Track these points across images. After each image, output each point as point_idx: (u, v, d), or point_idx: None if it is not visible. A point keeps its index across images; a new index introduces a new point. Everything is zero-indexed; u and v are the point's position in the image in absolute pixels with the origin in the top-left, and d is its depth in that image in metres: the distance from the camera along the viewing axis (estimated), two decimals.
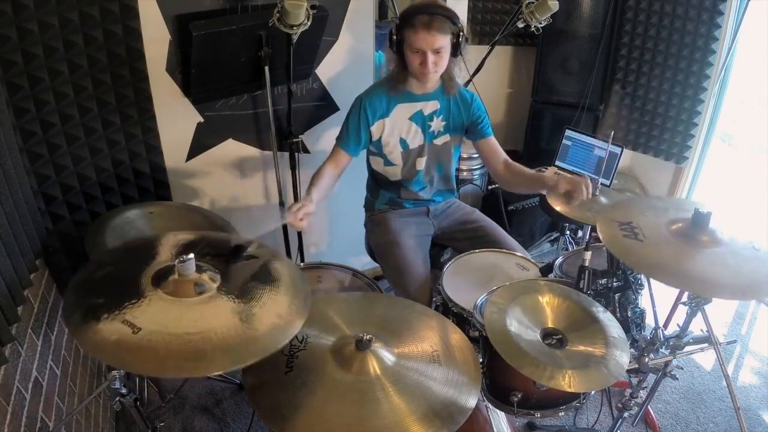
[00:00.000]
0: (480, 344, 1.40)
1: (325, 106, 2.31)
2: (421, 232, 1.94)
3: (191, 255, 1.07)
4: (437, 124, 1.82)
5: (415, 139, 1.83)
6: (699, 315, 1.54)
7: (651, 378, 1.72)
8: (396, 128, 1.80)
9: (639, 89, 2.87)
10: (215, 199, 2.25)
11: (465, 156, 2.77)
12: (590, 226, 2.12)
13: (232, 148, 2.18)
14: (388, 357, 1.13)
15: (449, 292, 1.60)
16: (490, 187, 2.91)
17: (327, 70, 2.23)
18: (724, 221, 1.38)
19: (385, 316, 1.30)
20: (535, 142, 3.10)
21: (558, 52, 2.85)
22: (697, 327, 1.58)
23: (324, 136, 2.36)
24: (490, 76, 2.94)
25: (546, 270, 1.70)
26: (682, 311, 1.63)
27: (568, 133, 2.64)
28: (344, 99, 2.31)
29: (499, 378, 1.34)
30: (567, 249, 2.76)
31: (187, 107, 1.99)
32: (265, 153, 2.26)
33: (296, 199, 2.20)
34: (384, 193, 1.96)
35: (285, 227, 2.22)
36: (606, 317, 1.30)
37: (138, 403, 1.28)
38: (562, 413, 1.37)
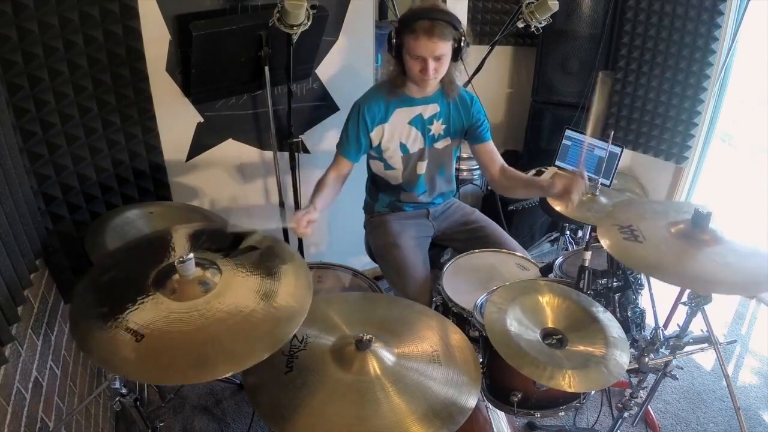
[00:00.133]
0: (480, 344, 1.40)
1: (325, 106, 2.31)
2: (420, 234, 1.94)
3: (191, 255, 1.07)
4: (437, 127, 1.80)
5: (416, 143, 1.81)
6: (699, 315, 1.54)
7: (651, 378, 1.72)
8: (396, 133, 1.78)
9: (639, 89, 2.87)
10: (215, 199, 2.25)
11: (465, 156, 2.77)
12: (590, 226, 2.13)
13: (232, 148, 2.18)
14: (388, 357, 1.13)
15: (449, 292, 1.60)
16: (490, 187, 2.91)
17: (327, 70, 2.23)
18: (724, 221, 1.38)
19: (385, 316, 1.30)
20: (535, 142, 3.10)
21: (558, 52, 2.85)
22: (697, 327, 1.59)
23: (324, 136, 2.36)
24: (490, 76, 2.94)
25: (546, 270, 1.70)
26: (682, 311, 1.63)
27: (568, 133, 2.64)
28: (344, 99, 2.31)
29: (499, 378, 1.34)
30: (567, 249, 2.76)
31: (187, 107, 1.99)
32: (265, 153, 2.26)
33: (296, 199, 2.20)
34: (383, 197, 1.95)
35: (285, 227, 2.21)
36: (606, 317, 1.30)
37: (138, 403, 1.28)
38: (562, 413, 1.37)
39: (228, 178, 2.24)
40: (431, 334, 1.24)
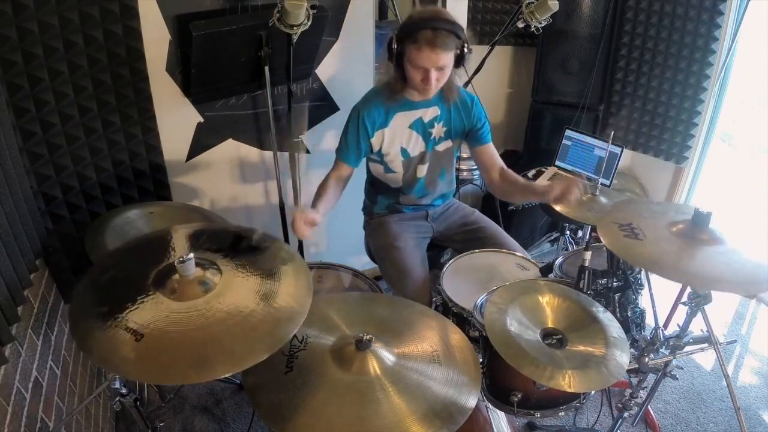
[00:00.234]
0: (480, 344, 1.40)
1: (325, 106, 2.31)
2: (419, 235, 1.94)
3: (191, 255, 1.07)
4: (438, 130, 1.79)
5: (416, 147, 1.80)
6: (699, 315, 1.54)
7: (651, 378, 1.72)
8: (396, 138, 1.77)
9: (639, 89, 2.87)
10: (215, 199, 2.25)
11: (465, 156, 2.77)
12: (590, 226, 2.12)
13: (232, 148, 2.18)
14: (388, 357, 1.13)
15: (449, 292, 1.60)
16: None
17: (327, 70, 2.23)
18: (724, 221, 1.39)
19: (385, 316, 1.30)
20: (535, 142, 3.10)
21: (558, 52, 2.85)
22: (697, 327, 1.59)
23: (324, 136, 2.36)
24: (490, 76, 2.93)
25: (546, 270, 1.70)
26: (682, 311, 1.63)
27: (568, 133, 2.64)
28: (344, 99, 2.31)
29: (499, 378, 1.34)
30: (567, 249, 2.76)
31: (187, 107, 1.99)
32: (265, 153, 2.26)
33: (296, 199, 2.21)
34: (382, 199, 1.95)
35: (285, 227, 2.22)
36: (606, 317, 1.30)
37: (138, 403, 1.28)
38: (562, 413, 1.37)
39: (228, 178, 2.24)
40: (431, 334, 1.24)
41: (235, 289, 1.09)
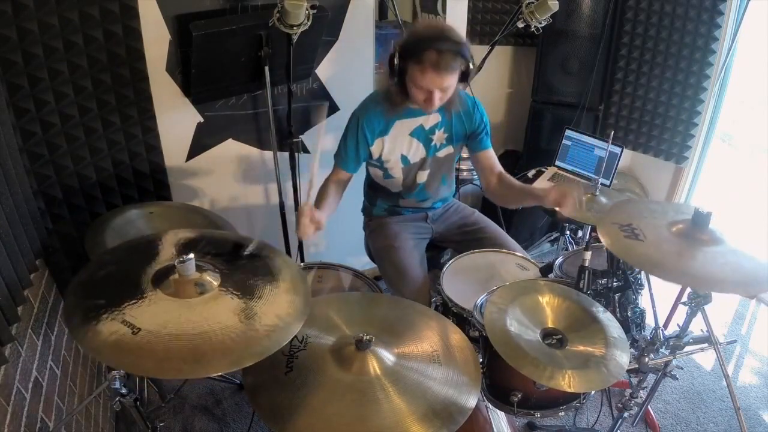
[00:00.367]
0: (480, 344, 1.40)
1: (325, 106, 2.30)
2: (418, 235, 1.94)
3: (191, 255, 1.07)
4: (439, 136, 1.77)
5: (417, 154, 1.78)
6: (699, 315, 1.54)
7: (651, 378, 1.72)
8: (396, 145, 1.75)
9: (639, 89, 2.87)
10: (215, 199, 2.25)
11: (465, 156, 2.77)
12: (590, 226, 2.12)
13: (232, 148, 2.18)
14: (388, 357, 1.13)
15: (449, 292, 1.60)
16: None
17: (327, 70, 2.23)
18: (724, 221, 1.39)
19: (386, 317, 1.30)
20: (535, 142, 3.10)
21: (558, 52, 2.85)
22: (697, 327, 1.59)
23: (324, 136, 2.36)
24: (490, 76, 2.94)
25: (546, 270, 1.69)
26: (682, 311, 1.63)
27: (568, 133, 2.64)
28: (344, 99, 2.31)
29: (499, 378, 1.34)
30: (567, 249, 2.76)
31: (187, 107, 1.99)
32: (265, 153, 2.26)
33: (296, 199, 2.20)
34: (381, 202, 1.95)
35: (285, 227, 2.22)
36: (606, 317, 1.30)
37: (138, 403, 1.27)
38: (562, 413, 1.37)
39: (228, 178, 2.24)
40: (431, 334, 1.24)
41: (229, 296, 1.08)
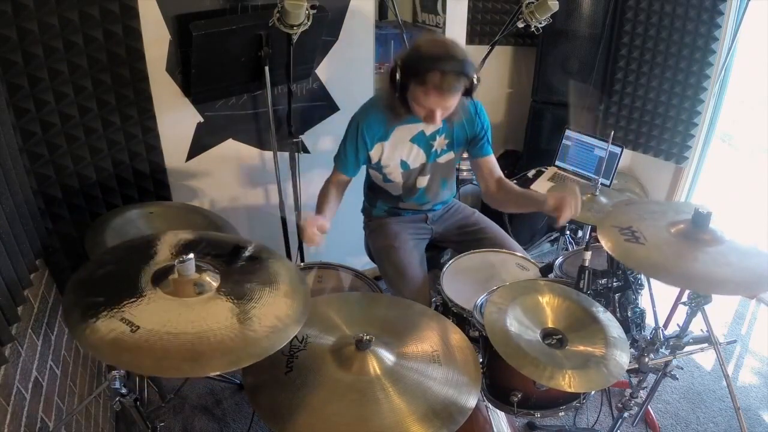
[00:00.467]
0: (480, 344, 1.40)
1: (325, 106, 2.31)
2: (418, 236, 1.94)
3: (191, 255, 1.07)
4: (440, 142, 1.76)
5: (417, 159, 1.77)
6: (699, 315, 1.54)
7: (651, 378, 1.72)
8: (396, 151, 1.74)
9: (639, 89, 2.87)
10: (215, 199, 2.25)
11: (465, 156, 2.77)
12: (590, 226, 2.12)
13: (232, 148, 2.18)
14: (388, 357, 1.13)
15: (449, 293, 1.60)
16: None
17: (327, 70, 2.23)
18: (724, 221, 1.38)
19: (386, 317, 1.30)
20: (535, 142, 3.10)
21: (558, 52, 2.85)
22: (697, 327, 1.58)
23: (324, 136, 2.37)
24: (490, 76, 2.93)
25: (546, 270, 1.69)
26: (682, 311, 1.63)
27: (568, 133, 2.64)
28: (344, 99, 2.31)
29: (499, 378, 1.34)
30: (567, 249, 2.76)
31: (187, 107, 1.99)
32: (265, 153, 2.26)
33: (296, 199, 2.20)
34: (381, 204, 1.95)
35: (285, 227, 2.22)
36: (606, 317, 1.30)
37: (138, 403, 1.28)
38: (562, 413, 1.37)
39: (228, 178, 2.24)
40: (431, 334, 1.24)
41: (226, 298, 1.08)
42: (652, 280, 1.76)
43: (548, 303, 1.34)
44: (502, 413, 1.45)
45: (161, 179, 2.03)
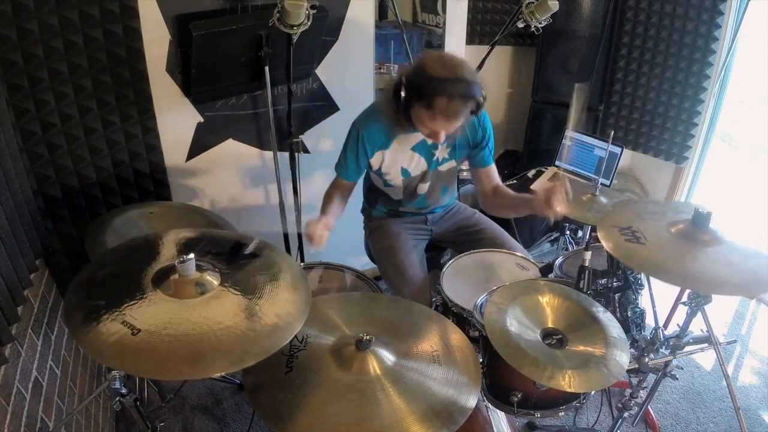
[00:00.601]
0: (480, 344, 1.40)
1: (325, 106, 2.31)
2: (418, 236, 1.94)
3: (191, 255, 1.07)
4: (442, 151, 1.75)
5: (418, 167, 1.77)
6: (699, 315, 1.54)
7: (651, 378, 1.72)
8: (397, 159, 1.73)
9: (639, 89, 2.87)
10: (215, 199, 2.25)
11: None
12: (590, 226, 2.12)
13: (232, 148, 2.18)
14: (388, 357, 1.13)
15: (449, 293, 1.60)
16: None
17: (327, 70, 2.23)
18: (724, 221, 1.38)
19: (386, 317, 1.30)
20: (535, 142, 3.10)
21: (558, 52, 2.85)
22: (697, 327, 1.58)
23: (324, 136, 2.36)
24: (490, 76, 2.94)
25: (546, 270, 1.69)
26: (682, 311, 1.63)
27: (568, 133, 2.64)
28: (344, 99, 2.31)
29: (499, 378, 1.34)
30: (567, 249, 2.76)
31: (187, 107, 1.99)
32: (265, 153, 2.26)
33: (296, 199, 2.20)
34: (381, 206, 1.95)
35: (285, 227, 2.22)
36: (606, 317, 1.30)
37: (138, 403, 1.27)
38: (562, 413, 1.37)
39: (228, 178, 2.24)
40: (431, 334, 1.24)
41: (231, 295, 1.08)
42: (652, 280, 1.75)
43: (548, 303, 1.34)
44: (502, 413, 1.45)
45: (161, 179, 2.03)
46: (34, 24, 1.47)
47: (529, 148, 3.16)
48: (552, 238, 2.98)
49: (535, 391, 1.30)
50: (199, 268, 1.09)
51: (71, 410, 1.47)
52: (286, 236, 2.26)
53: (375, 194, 1.93)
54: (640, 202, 2.76)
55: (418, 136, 1.69)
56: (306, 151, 2.23)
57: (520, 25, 2.10)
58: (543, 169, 2.70)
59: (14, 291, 1.25)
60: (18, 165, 1.41)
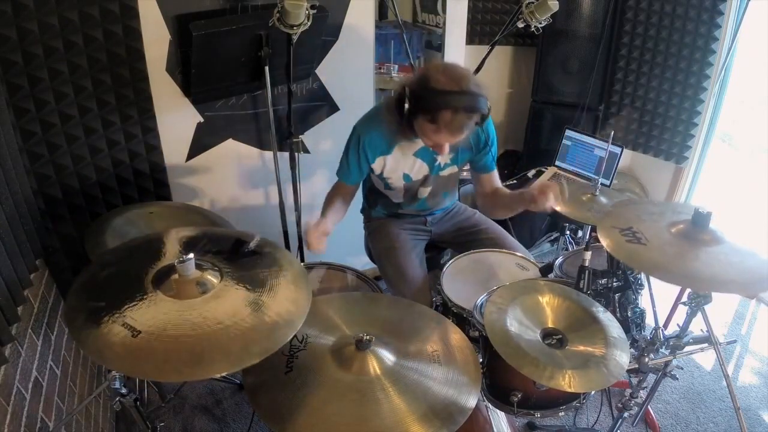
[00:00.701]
0: (480, 344, 1.40)
1: (325, 106, 2.31)
2: (418, 236, 1.94)
3: (191, 255, 1.07)
4: (444, 157, 1.72)
5: (420, 172, 1.76)
6: (699, 315, 1.54)
7: (651, 378, 1.72)
8: (399, 165, 1.72)
9: (639, 89, 2.87)
10: (215, 199, 2.25)
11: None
12: (590, 226, 2.12)
13: (232, 148, 2.18)
14: (388, 357, 1.13)
15: (449, 292, 1.60)
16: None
17: (327, 70, 2.23)
18: (724, 221, 1.39)
19: (386, 316, 1.30)
20: (535, 142, 3.10)
21: (558, 52, 2.85)
22: (697, 327, 1.58)
23: (324, 136, 2.36)
24: (490, 76, 2.94)
25: (546, 270, 1.69)
26: (682, 311, 1.63)
27: (568, 133, 2.64)
28: (344, 99, 2.31)
29: (499, 378, 1.34)
30: (567, 249, 2.76)
31: (187, 107, 1.99)
32: (265, 153, 2.26)
33: (296, 199, 2.20)
34: (381, 208, 1.95)
35: (285, 228, 2.21)
36: (606, 317, 1.30)
37: (138, 403, 1.28)
38: (562, 413, 1.37)
39: (228, 178, 2.24)
40: (431, 334, 1.24)
41: (232, 293, 1.08)
42: (652, 280, 1.75)
43: (548, 303, 1.34)
44: (502, 413, 1.45)
45: (161, 179, 2.03)
46: (34, 24, 1.47)
47: (529, 148, 3.15)
48: (552, 238, 2.98)
49: (535, 391, 1.30)
50: (199, 267, 1.09)
51: (71, 410, 1.47)
52: (286, 236, 2.26)
53: (375, 195, 1.93)
54: (640, 202, 2.76)
55: (420, 142, 1.68)
56: (306, 151, 2.22)
57: (520, 25, 2.09)
58: (543, 169, 2.70)
59: (14, 291, 1.25)
60: (18, 165, 1.41)
